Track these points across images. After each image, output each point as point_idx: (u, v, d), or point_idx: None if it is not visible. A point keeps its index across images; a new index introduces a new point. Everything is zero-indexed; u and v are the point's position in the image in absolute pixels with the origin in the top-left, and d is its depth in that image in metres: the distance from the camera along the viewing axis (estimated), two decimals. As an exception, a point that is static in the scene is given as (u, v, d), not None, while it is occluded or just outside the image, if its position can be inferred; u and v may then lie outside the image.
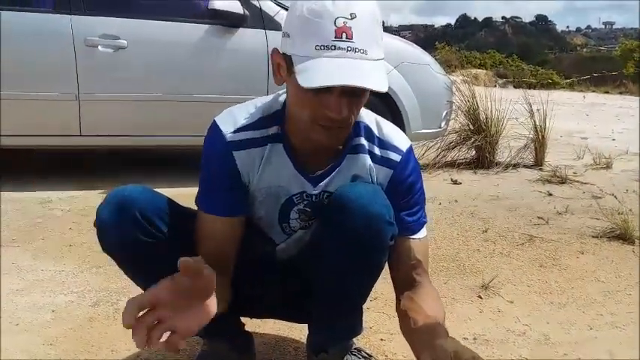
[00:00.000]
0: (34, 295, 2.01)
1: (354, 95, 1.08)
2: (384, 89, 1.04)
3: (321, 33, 1.03)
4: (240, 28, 3.64)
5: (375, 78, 1.04)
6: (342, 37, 1.03)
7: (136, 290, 1.34)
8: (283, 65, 1.12)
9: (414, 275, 1.28)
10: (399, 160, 1.28)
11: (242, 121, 1.22)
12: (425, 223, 1.32)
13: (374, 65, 1.05)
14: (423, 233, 1.31)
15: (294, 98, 1.14)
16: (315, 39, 1.03)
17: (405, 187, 1.28)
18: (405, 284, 1.28)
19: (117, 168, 4.01)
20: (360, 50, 1.03)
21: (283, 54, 1.11)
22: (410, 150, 1.31)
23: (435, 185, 3.75)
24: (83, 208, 3.01)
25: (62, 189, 3.42)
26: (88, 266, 2.26)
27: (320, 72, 1.02)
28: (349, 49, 1.03)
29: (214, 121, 1.24)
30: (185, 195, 1.27)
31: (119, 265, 1.29)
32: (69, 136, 3.56)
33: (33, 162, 4.34)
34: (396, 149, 1.29)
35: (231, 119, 1.23)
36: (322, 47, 1.03)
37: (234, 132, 1.21)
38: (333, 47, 1.02)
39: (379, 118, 1.32)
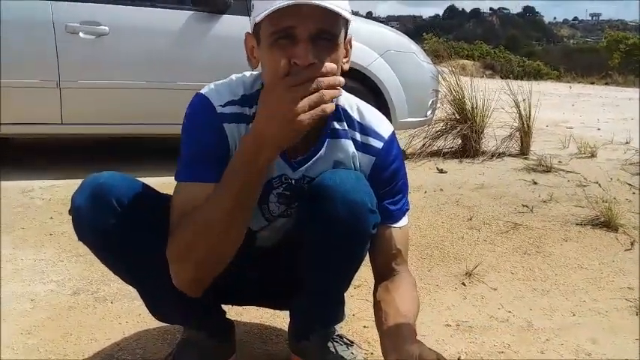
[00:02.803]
0: (13, 284, 1.97)
1: (320, 42, 1.04)
2: (346, 15, 1.04)
3: None
4: (225, 15, 3.60)
5: (335, 6, 1.02)
6: None
7: (116, 279, 1.32)
8: (254, 44, 1.11)
9: (393, 265, 1.28)
10: (380, 147, 1.26)
11: (228, 95, 1.19)
12: (407, 211, 1.31)
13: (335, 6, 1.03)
14: (404, 222, 1.30)
15: (264, 65, 1.10)
16: None
17: (387, 175, 1.26)
18: (383, 273, 1.29)
19: (99, 157, 3.96)
20: None
21: (252, 31, 1.10)
22: (392, 136, 1.29)
23: (420, 174, 3.74)
24: (64, 198, 2.97)
25: (43, 178, 3.37)
26: (68, 255, 2.23)
27: (273, 4, 1.01)
28: None
29: (200, 94, 1.19)
30: (168, 185, 1.24)
31: (95, 253, 1.26)
32: (50, 125, 3.51)
33: (14, 150, 4.27)
34: (377, 135, 1.26)
35: (218, 93, 1.19)
36: None
37: (223, 105, 1.18)
38: None
39: (360, 102, 1.30)
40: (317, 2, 1.00)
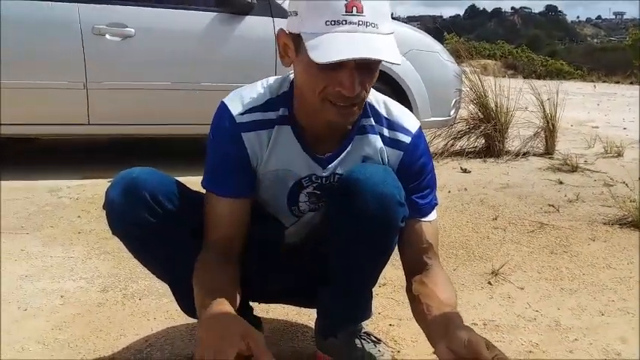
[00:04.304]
0: (44, 281, 2.01)
1: (366, 70, 1.06)
2: (398, 61, 1.03)
3: (332, 8, 1.01)
4: (248, 16, 3.63)
5: (388, 51, 1.03)
6: (352, 11, 1.01)
7: (145, 275, 1.34)
8: (290, 46, 1.10)
9: (425, 259, 1.27)
10: (408, 141, 1.26)
11: (250, 102, 1.21)
12: (436, 205, 1.31)
13: (386, 39, 1.03)
14: (433, 216, 1.30)
15: (303, 78, 1.12)
16: (326, 14, 1.01)
17: (415, 170, 1.27)
18: (415, 268, 1.28)
19: (125, 157, 4.01)
20: (371, 24, 1.02)
21: (290, 33, 1.09)
22: (419, 131, 1.29)
23: (444, 173, 3.72)
24: (92, 197, 3.02)
25: (71, 178, 3.43)
26: (97, 253, 2.26)
27: (333, 47, 1.00)
28: (360, 22, 1.01)
29: (222, 102, 1.22)
30: (194, 183, 1.27)
31: (128, 247, 1.28)
32: (77, 125, 3.56)
33: (42, 150, 4.35)
34: (405, 130, 1.27)
35: (240, 100, 1.21)
36: (333, 22, 1.01)
37: (243, 113, 1.19)
38: (344, 22, 1.01)
39: (387, 98, 1.30)
40: (378, 57, 1.02)
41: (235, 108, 1.20)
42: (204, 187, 1.24)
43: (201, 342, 0.97)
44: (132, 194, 1.17)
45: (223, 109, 1.21)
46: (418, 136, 1.28)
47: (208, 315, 1.03)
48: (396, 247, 1.30)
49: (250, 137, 1.20)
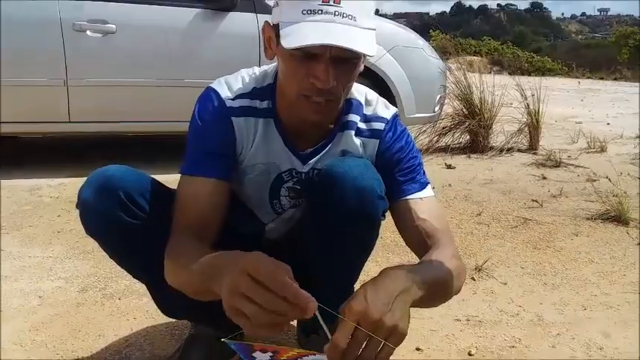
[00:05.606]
0: (22, 281, 1.97)
1: (342, 65, 1.05)
2: (371, 53, 1.01)
3: None
4: (231, 12, 3.59)
5: (362, 42, 1.01)
6: (329, 2, 1.00)
7: (124, 275, 1.32)
8: (273, 38, 1.09)
9: (427, 240, 1.16)
10: (382, 128, 1.25)
11: (238, 88, 1.19)
12: (426, 183, 1.25)
13: (363, 32, 1.02)
14: (425, 193, 1.22)
15: (281, 69, 1.11)
16: (302, 4, 1.00)
17: (392, 153, 1.24)
18: (421, 252, 1.16)
19: (106, 155, 3.96)
20: (348, 16, 1.00)
21: (273, 25, 1.08)
22: (394, 117, 1.27)
23: (428, 170, 3.65)
24: (72, 195, 2.94)
25: (51, 176, 3.38)
26: (76, 252, 2.23)
27: (303, 33, 0.99)
28: (337, 13, 1.00)
29: (210, 87, 1.19)
30: (175, 182, 1.23)
31: (102, 247, 1.25)
32: (58, 123, 3.51)
33: (22, 149, 4.28)
34: (379, 119, 1.25)
35: (227, 86, 1.19)
36: (309, 12, 1.00)
37: (233, 99, 1.18)
38: (320, 11, 1.00)
39: (367, 90, 1.28)
40: (348, 46, 0.99)
41: (225, 92, 1.18)
42: (183, 173, 1.17)
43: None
44: (105, 193, 1.14)
45: (212, 92, 1.18)
46: (392, 122, 1.26)
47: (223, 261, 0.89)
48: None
49: (240, 122, 1.18)
